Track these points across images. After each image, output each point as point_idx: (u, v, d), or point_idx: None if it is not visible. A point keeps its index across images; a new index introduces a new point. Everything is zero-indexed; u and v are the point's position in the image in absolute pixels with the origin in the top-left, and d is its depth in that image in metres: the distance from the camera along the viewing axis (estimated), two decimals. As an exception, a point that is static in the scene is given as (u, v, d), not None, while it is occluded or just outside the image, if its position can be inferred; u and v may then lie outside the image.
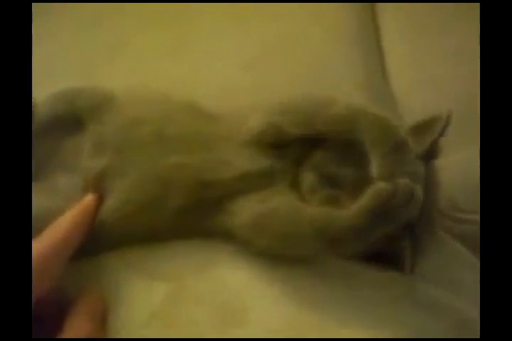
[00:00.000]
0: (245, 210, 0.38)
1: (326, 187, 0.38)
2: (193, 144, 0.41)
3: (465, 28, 0.56)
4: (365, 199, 0.34)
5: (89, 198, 0.39)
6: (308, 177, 0.39)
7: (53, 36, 0.65)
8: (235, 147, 0.41)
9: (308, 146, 0.41)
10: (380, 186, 0.34)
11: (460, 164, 0.44)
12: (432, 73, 0.59)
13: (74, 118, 0.43)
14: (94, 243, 0.38)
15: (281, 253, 0.38)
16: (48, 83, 0.47)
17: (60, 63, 0.61)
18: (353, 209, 0.35)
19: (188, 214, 0.39)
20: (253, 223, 0.37)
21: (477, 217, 0.36)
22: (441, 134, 0.43)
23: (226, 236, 0.39)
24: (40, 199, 0.39)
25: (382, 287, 0.39)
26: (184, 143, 0.40)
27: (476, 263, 0.41)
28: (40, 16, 0.63)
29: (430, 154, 0.44)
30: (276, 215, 0.37)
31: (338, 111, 0.38)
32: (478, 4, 0.37)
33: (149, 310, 0.36)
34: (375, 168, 0.37)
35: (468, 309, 0.38)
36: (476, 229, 0.38)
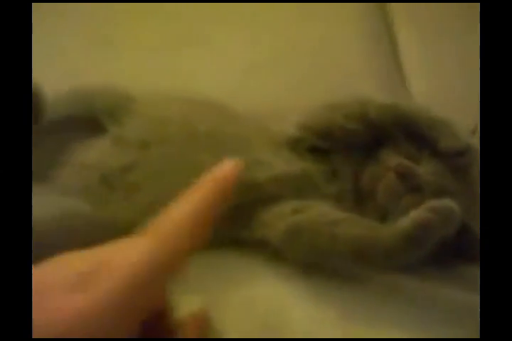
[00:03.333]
0: (281, 219, 0.36)
1: (409, 190, 0.36)
2: (224, 143, 0.39)
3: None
4: (409, 225, 0.33)
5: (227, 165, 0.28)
6: (388, 179, 0.37)
7: (55, 30, 0.62)
8: (269, 148, 0.39)
9: (364, 150, 0.39)
10: (422, 215, 0.33)
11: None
12: (451, 79, 0.58)
13: (91, 119, 0.42)
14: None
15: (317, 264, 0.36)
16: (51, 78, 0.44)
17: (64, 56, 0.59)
18: (393, 233, 0.33)
19: (220, 221, 0.36)
20: (288, 234, 0.36)
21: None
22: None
23: (258, 246, 0.37)
24: (52, 198, 0.38)
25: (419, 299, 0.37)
26: (215, 141, 0.39)
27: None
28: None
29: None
30: (313, 228, 0.35)
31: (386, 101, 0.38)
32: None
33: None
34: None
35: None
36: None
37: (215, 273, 0.36)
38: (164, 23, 0.60)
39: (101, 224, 0.36)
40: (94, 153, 0.40)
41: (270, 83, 0.55)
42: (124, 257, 0.24)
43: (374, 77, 0.57)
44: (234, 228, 0.37)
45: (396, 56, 0.62)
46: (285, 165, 0.38)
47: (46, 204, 0.37)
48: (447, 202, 0.34)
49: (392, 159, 0.38)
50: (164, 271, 0.25)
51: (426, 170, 0.37)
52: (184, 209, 0.27)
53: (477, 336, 0.31)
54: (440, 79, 0.59)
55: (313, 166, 0.38)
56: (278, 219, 0.36)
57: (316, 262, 0.36)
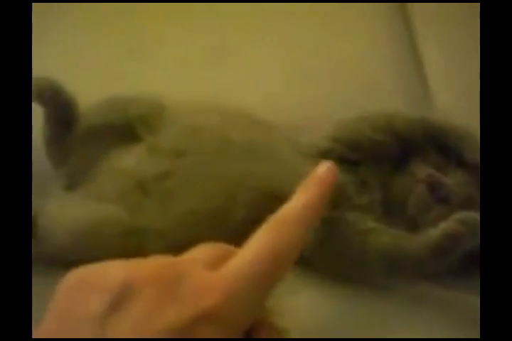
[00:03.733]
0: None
1: (438, 201, 0.37)
2: (259, 152, 0.40)
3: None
4: (438, 236, 0.34)
5: (324, 168, 0.31)
6: (418, 191, 0.38)
7: (70, 38, 0.63)
8: (298, 158, 0.40)
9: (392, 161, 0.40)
10: (452, 226, 0.34)
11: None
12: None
13: (126, 127, 0.43)
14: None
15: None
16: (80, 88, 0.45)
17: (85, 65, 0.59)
18: (423, 243, 0.35)
19: (251, 230, 0.37)
20: (316, 243, 0.37)
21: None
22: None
23: None
24: (90, 204, 0.39)
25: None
26: (250, 150, 0.40)
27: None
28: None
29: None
30: (342, 238, 0.36)
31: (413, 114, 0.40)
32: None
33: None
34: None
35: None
36: None
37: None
38: (195, 35, 0.61)
39: (137, 230, 0.37)
40: (130, 161, 0.41)
41: (300, 95, 0.55)
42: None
43: (399, 90, 0.58)
44: None
45: (420, 70, 0.63)
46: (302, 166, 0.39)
47: (84, 210, 0.38)
48: (474, 215, 0.35)
49: (421, 170, 0.38)
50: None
51: (454, 181, 0.38)
52: (295, 209, 0.29)
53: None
54: (464, 91, 0.60)
55: (343, 177, 0.39)
56: None
57: (346, 272, 0.37)
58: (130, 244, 0.37)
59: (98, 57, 0.60)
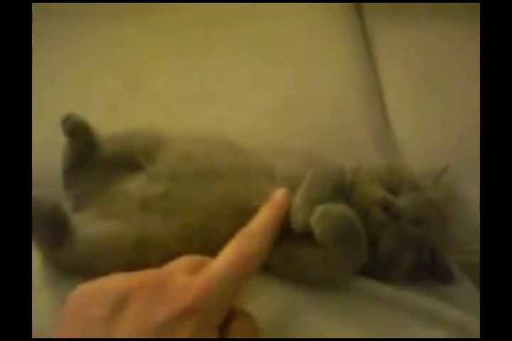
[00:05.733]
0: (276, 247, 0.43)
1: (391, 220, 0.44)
2: (233, 174, 0.47)
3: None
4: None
5: (280, 193, 0.43)
6: (374, 212, 0.44)
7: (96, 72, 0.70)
8: (265, 179, 0.47)
9: None
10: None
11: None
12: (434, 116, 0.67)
13: (130, 157, 0.50)
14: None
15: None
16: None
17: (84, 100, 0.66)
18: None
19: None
20: (280, 261, 0.44)
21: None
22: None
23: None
24: (97, 222, 0.45)
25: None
26: (226, 173, 0.47)
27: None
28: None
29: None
30: (301, 258, 0.43)
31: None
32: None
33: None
34: None
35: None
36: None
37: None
38: (187, 74, 0.69)
39: (142, 242, 0.44)
40: (133, 185, 0.48)
41: (276, 126, 0.63)
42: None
43: (366, 125, 0.66)
44: None
45: (383, 107, 0.71)
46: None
47: (98, 225, 0.45)
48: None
49: (375, 193, 0.46)
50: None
51: (405, 202, 0.45)
52: (257, 225, 0.40)
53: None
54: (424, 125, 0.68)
55: None
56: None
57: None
58: (136, 253, 0.44)
59: (104, 89, 0.67)
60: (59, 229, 0.43)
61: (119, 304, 0.33)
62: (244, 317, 0.36)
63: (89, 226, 0.45)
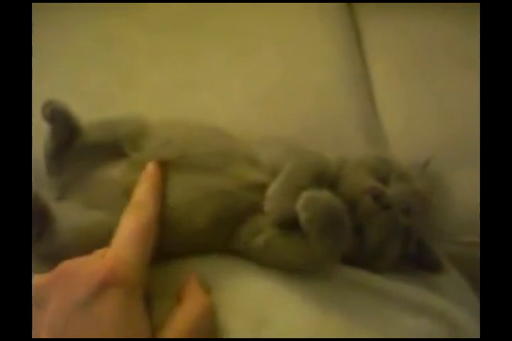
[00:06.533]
0: (256, 236, 0.43)
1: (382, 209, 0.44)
2: (215, 161, 0.46)
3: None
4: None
5: (151, 166, 0.45)
6: (365, 201, 0.44)
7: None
8: (253, 167, 0.47)
9: None
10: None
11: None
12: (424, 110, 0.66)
13: (114, 145, 0.49)
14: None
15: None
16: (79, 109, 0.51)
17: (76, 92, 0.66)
18: None
19: (211, 232, 0.44)
20: (263, 250, 0.43)
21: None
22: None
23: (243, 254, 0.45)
24: (79, 211, 0.45)
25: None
26: (207, 160, 0.46)
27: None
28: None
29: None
30: (283, 246, 0.43)
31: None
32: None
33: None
34: None
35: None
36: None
37: (210, 276, 0.43)
38: (175, 65, 0.69)
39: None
40: (117, 172, 0.47)
41: (263, 115, 0.63)
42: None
43: (354, 118, 0.65)
44: (218, 240, 0.45)
45: (372, 99, 0.71)
46: (258, 176, 0.46)
47: (80, 215, 0.44)
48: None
49: (365, 182, 0.45)
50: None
51: (395, 191, 0.45)
52: (141, 195, 0.43)
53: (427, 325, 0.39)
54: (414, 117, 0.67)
55: None
56: (254, 235, 0.43)
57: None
58: None
59: (94, 81, 0.67)
60: (39, 220, 0.41)
61: (40, 301, 0.36)
62: (194, 288, 0.40)
63: (73, 215, 0.44)
